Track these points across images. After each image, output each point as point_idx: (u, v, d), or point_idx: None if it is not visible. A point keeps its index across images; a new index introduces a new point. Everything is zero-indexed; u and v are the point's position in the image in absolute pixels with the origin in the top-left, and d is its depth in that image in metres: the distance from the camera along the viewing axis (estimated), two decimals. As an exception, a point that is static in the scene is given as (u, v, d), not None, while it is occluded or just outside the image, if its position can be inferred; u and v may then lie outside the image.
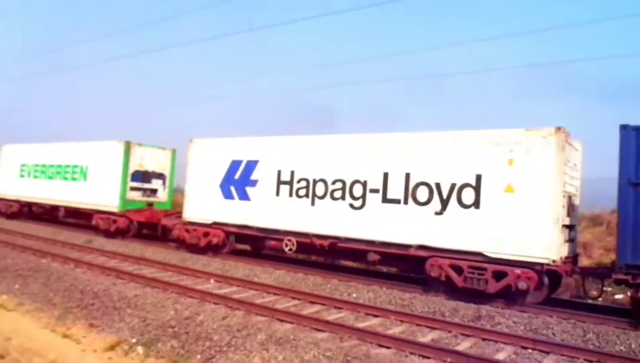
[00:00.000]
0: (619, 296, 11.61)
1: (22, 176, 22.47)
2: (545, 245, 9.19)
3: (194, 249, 14.78)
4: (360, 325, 8.08)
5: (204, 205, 14.66)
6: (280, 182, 13.05)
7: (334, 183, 12.04)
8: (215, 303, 9.03)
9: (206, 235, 14.55)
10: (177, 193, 20.50)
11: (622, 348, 7.51)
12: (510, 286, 9.49)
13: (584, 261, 13.12)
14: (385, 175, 11.23)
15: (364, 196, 11.53)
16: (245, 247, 15.83)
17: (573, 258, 10.14)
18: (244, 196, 13.77)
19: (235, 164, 14.05)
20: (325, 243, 12.00)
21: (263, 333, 7.24)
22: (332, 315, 8.71)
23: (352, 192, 11.72)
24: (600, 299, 10.38)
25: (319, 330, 7.66)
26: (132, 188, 18.05)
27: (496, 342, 7.55)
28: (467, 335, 7.82)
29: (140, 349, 6.85)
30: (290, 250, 12.68)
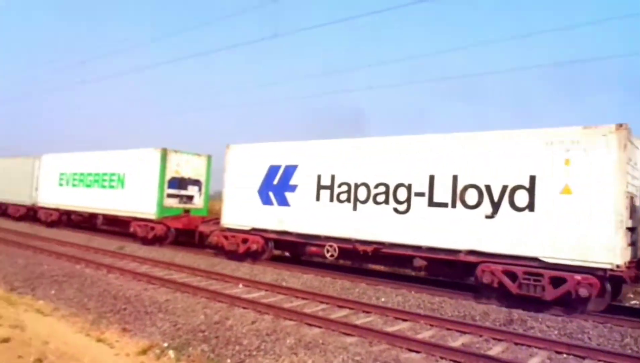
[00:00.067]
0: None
1: (60, 184, 22.92)
2: (609, 249, 8.66)
3: (233, 256, 14.67)
4: (390, 329, 8.01)
5: (242, 211, 14.55)
6: (320, 187, 12.81)
7: (376, 186, 11.74)
8: (244, 308, 9.07)
9: (245, 241, 14.42)
10: (212, 199, 20.54)
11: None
12: (569, 293, 9.00)
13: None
14: (431, 178, 10.86)
15: (408, 200, 11.18)
16: (282, 253, 15.67)
17: (637, 262, 9.56)
18: (283, 202, 13.59)
19: (273, 170, 13.89)
20: (369, 248, 11.69)
21: (292, 337, 7.25)
22: (361, 319, 8.66)
23: (396, 196, 11.39)
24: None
25: (347, 335, 7.61)
26: (169, 195, 18.12)
27: (529, 346, 7.33)
28: (499, 340, 7.62)
29: (171, 353, 6.89)
30: (332, 256, 12.42)
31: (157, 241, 17.79)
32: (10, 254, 14.86)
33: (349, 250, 12.18)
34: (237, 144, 15.15)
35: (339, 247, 12.28)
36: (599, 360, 6.79)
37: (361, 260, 12.91)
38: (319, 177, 12.85)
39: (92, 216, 21.71)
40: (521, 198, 9.65)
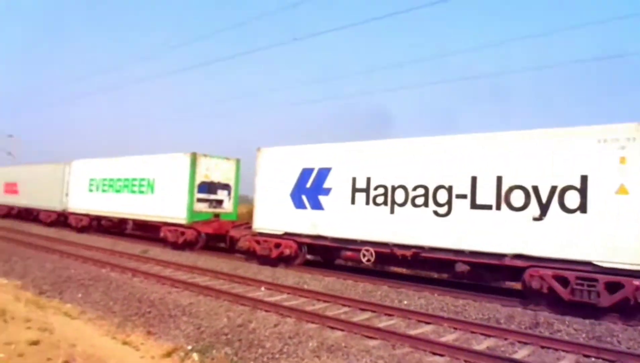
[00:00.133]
0: None
1: (90, 190, 23.09)
2: (671, 253, 8.16)
3: (265, 261, 14.45)
4: (412, 332, 7.92)
5: (275, 215, 14.34)
6: (355, 190, 12.51)
7: (415, 189, 11.38)
8: (267, 311, 9.06)
9: (277, 246, 14.19)
10: (241, 203, 20.42)
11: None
12: (627, 299, 8.49)
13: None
14: (474, 179, 10.47)
15: (449, 202, 10.80)
16: (315, 258, 15.40)
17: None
18: (316, 206, 13.32)
19: (306, 173, 13.65)
20: (408, 253, 11.33)
21: (314, 340, 7.23)
22: (383, 322, 8.57)
23: (436, 198, 11.02)
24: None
25: (370, 338, 7.53)
26: (199, 200, 18.02)
27: (556, 350, 7.14)
28: (525, 343, 7.43)
29: (195, 356, 6.93)
30: (369, 260, 12.10)
31: (187, 246, 17.69)
32: (39, 259, 15.05)
33: (387, 255, 11.85)
34: (268, 147, 14.96)
35: (375, 251, 11.96)
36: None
37: (399, 264, 12.56)
38: (354, 180, 12.55)
39: (122, 222, 21.81)
40: (572, 199, 9.20)
